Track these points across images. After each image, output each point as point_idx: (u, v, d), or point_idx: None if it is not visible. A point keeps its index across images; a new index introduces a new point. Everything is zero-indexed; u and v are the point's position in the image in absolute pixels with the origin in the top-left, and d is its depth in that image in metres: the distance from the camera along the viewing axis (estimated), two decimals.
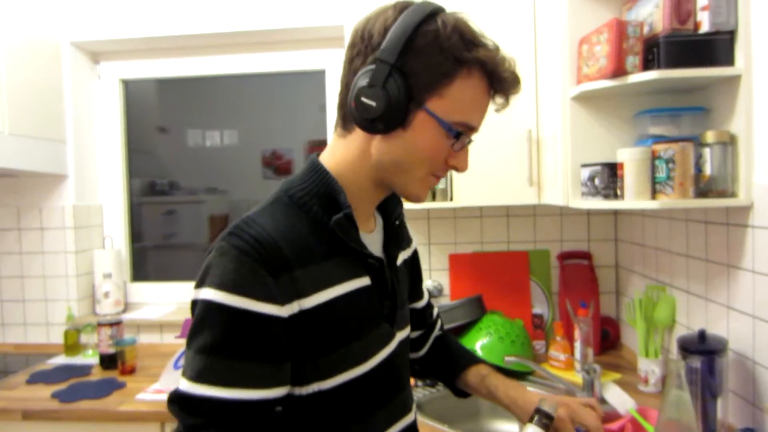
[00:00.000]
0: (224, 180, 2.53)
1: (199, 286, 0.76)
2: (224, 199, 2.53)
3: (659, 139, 1.34)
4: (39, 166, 2.15)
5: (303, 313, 0.76)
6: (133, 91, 2.49)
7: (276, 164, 2.46)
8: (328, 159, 0.86)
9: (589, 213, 2.13)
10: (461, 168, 0.84)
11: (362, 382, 0.82)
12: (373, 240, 0.90)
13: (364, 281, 0.84)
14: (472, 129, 0.82)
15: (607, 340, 2.03)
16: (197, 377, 0.72)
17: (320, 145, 2.40)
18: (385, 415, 0.87)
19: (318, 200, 0.82)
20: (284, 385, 0.76)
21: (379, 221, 0.94)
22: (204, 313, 0.73)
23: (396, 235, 0.95)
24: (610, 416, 1.51)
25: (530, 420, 0.85)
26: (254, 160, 2.48)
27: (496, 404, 1.02)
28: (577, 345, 1.79)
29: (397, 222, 0.96)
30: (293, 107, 2.45)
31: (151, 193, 2.53)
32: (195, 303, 0.76)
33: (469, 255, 2.17)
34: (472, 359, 1.11)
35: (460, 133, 0.80)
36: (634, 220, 1.94)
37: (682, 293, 1.58)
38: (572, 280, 2.08)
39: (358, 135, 0.83)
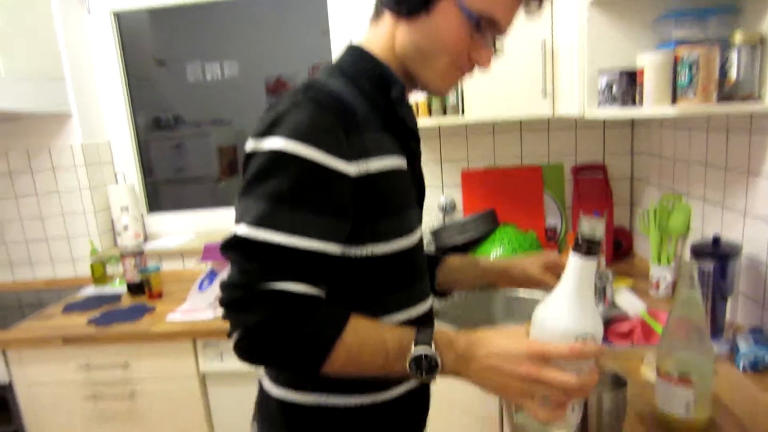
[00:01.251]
0: (229, 111, 2.50)
1: (263, 135, 0.73)
2: (230, 130, 2.52)
3: (682, 42, 1.29)
4: (41, 106, 2.13)
5: (368, 177, 0.76)
6: (126, 24, 2.42)
7: (281, 91, 2.43)
8: (365, 46, 0.87)
9: (605, 125, 2.11)
10: (483, 63, 0.83)
11: (402, 256, 0.84)
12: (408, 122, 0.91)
13: (404, 162, 0.85)
14: (495, 25, 0.80)
15: (620, 250, 2.06)
16: (260, 222, 0.71)
17: None
18: (413, 294, 0.89)
19: (369, 81, 0.84)
20: (341, 243, 0.76)
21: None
22: (271, 162, 0.72)
23: (416, 133, 0.95)
24: (621, 319, 1.56)
25: (574, 249, 0.68)
26: (258, 89, 2.44)
27: (487, 279, 1.09)
28: None
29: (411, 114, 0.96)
30: (294, 32, 2.38)
31: (157, 128, 2.52)
32: (253, 154, 0.74)
33: (482, 171, 2.17)
34: (437, 258, 1.13)
35: (479, 23, 0.79)
36: (651, 132, 1.92)
37: (698, 202, 1.59)
38: (586, 192, 2.09)
39: (386, 20, 0.84)
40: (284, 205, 0.71)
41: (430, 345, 0.72)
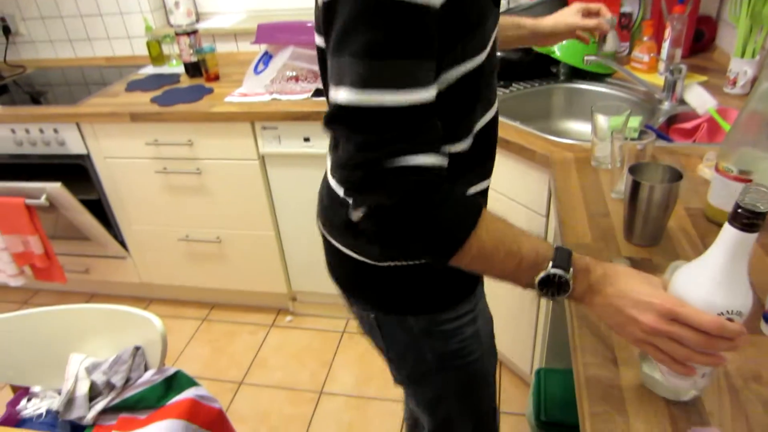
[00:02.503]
0: None
1: None
2: None
3: None
4: None
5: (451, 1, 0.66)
6: None
7: None
8: None
9: None
10: None
11: (485, 63, 0.76)
12: None
13: None
14: None
15: (700, 42, 1.89)
16: (364, 83, 0.63)
17: None
18: (487, 101, 0.85)
19: None
20: (436, 83, 0.69)
21: None
22: (358, 11, 0.63)
23: None
24: (688, 116, 1.49)
25: (731, 219, 0.58)
26: None
27: (524, 33, 1.12)
28: (665, 45, 1.68)
29: None
30: None
31: None
32: (335, 1, 0.65)
33: None
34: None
35: None
36: None
37: None
38: None
39: None
40: (385, 58, 0.63)
41: (567, 269, 0.68)
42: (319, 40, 0.79)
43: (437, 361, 0.97)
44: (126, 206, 2.15)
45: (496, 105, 0.88)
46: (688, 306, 0.61)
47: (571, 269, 0.68)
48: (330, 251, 0.96)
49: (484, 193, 0.92)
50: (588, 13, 1.20)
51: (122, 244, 2.25)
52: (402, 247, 0.72)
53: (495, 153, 0.92)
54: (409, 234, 0.68)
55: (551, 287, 0.68)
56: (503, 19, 1.06)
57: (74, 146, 2.03)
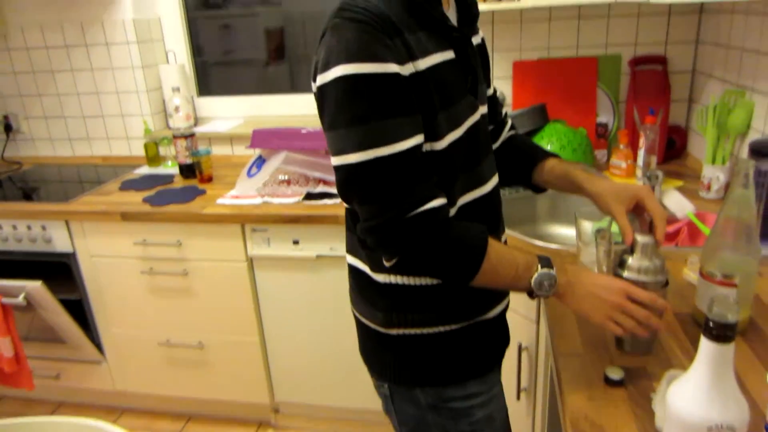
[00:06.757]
0: None
1: (324, 69, 0.78)
2: (278, 12, 2.44)
3: None
4: None
5: (417, 75, 0.81)
6: None
7: None
8: None
9: (671, 11, 1.95)
10: None
11: (456, 144, 0.88)
12: (450, 17, 0.92)
13: (450, 54, 0.87)
14: None
15: (673, 149, 1.99)
16: (360, 146, 0.77)
17: None
18: (467, 179, 0.93)
19: None
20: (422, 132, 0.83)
21: (452, 2, 0.95)
22: (343, 90, 0.77)
23: (468, 15, 0.96)
24: (668, 220, 1.54)
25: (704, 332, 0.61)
26: None
27: (578, 194, 1.06)
28: (641, 153, 1.77)
29: (469, 0, 0.97)
30: None
31: (205, 6, 2.47)
32: (324, 87, 0.79)
33: (535, 62, 2.08)
34: (549, 153, 1.13)
35: None
36: (720, 18, 1.77)
37: (762, 97, 1.49)
38: (643, 86, 1.98)
39: None
40: (374, 120, 0.77)
41: (551, 267, 0.86)
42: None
43: None
44: (107, 307, 2.11)
45: (489, 185, 0.97)
46: (635, 287, 0.85)
47: (555, 268, 0.86)
48: (357, 326, 1.06)
49: (480, 202, 0.99)
50: (636, 207, 0.98)
51: (98, 347, 2.17)
52: (432, 275, 0.87)
53: (500, 224, 1.04)
54: (434, 267, 0.84)
55: (544, 284, 0.85)
56: (557, 166, 1.10)
57: (60, 244, 2.02)
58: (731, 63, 1.69)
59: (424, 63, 0.82)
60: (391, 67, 0.77)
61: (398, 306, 0.94)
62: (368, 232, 0.82)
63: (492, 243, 0.85)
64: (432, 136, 0.84)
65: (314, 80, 0.82)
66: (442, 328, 0.95)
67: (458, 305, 0.95)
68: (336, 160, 0.81)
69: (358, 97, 0.76)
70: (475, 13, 0.98)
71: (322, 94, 0.80)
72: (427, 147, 0.84)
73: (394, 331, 0.96)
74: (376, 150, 0.77)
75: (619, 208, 0.96)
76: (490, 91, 1.13)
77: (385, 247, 0.82)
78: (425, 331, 0.95)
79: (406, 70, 0.79)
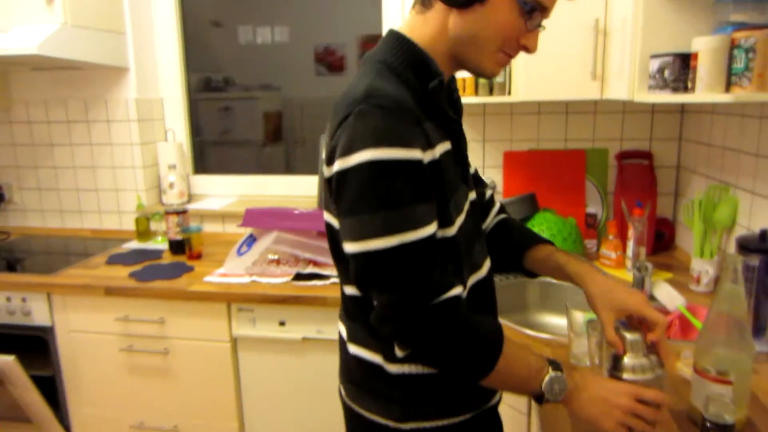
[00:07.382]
0: (277, 77, 2.52)
1: (347, 154, 0.78)
2: (278, 96, 2.53)
3: (740, 26, 1.24)
4: (101, 57, 2.21)
5: (434, 162, 0.83)
6: None
7: (329, 60, 2.42)
8: (407, 34, 0.89)
9: (654, 110, 2.04)
10: (532, 48, 0.88)
11: (461, 230, 0.90)
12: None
13: (448, 145, 0.90)
14: (544, 9, 0.85)
15: (661, 241, 2.01)
16: (385, 231, 0.77)
17: (373, 40, 2.33)
18: (470, 264, 0.95)
19: (412, 69, 0.87)
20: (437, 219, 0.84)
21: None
22: (368, 175, 0.77)
23: (457, 106, 1.00)
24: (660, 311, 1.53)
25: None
26: (306, 57, 2.44)
27: (564, 281, 1.06)
28: (630, 244, 1.78)
29: (455, 95, 1.01)
30: (345, 2, 2.36)
31: (207, 89, 2.57)
32: (346, 172, 0.78)
33: (525, 153, 2.14)
34: (540, 238, 1.13)
35: (534, 9, 0.83)
36: (701, 118, 1.85)
37: (746, 194, 1.53)
38: (630, 180, 2.04)
39: (437, 11, 0.87)
40: (402, 207, 0.77)
41: (561, 371, 0.85)
42: (327, 217, 0.90)
43: None
44: (81, 385, 2.01)
45: (485, 269, 0.99)
46: (641, 388, 0.86)
47: (564, 371, 0.86)
48: (352, 421, 1.00)
49: (475, 289, 0.98)
50: (630, 318, 0.96)
51: (66, 428, 2.06)
52: (447, 369, 0.86)
53: (496, 309, 1.05)
54: (450, 361, 0.83)
55: (555, 387, 0.84)
56: (551, 257, 1.07)
57: (39, 317, 1.96)
58: (714, 160, 1.74)
59: (438, 151, 0.84)
60: (417, 154, 0.79)
61: (414, 398, 0.91)
62: (386, 321, 0.81)
63: (507, 339, 0.85)
64: (445, 222, 0.85)
65: (329, 164, 0.82)
66: (456, 419, 0.93)
67: (469, 393, 0.94)
68: (355, 246, 0.80)
69: (386, 182, 0.77)
70: (461, 105, 1.03)
71: (341, 179, 0.79)
72: (440, 234, 0.85)
73: (408, 426, 0.92)
74: (402, 235, 0.77)
75: (608, 316, 0.95)
76: (472, 170, 1.16)
77: (404, 336, 0.82)
78: (440, 423, 0.92)
79: (427, 157, 0.81)
